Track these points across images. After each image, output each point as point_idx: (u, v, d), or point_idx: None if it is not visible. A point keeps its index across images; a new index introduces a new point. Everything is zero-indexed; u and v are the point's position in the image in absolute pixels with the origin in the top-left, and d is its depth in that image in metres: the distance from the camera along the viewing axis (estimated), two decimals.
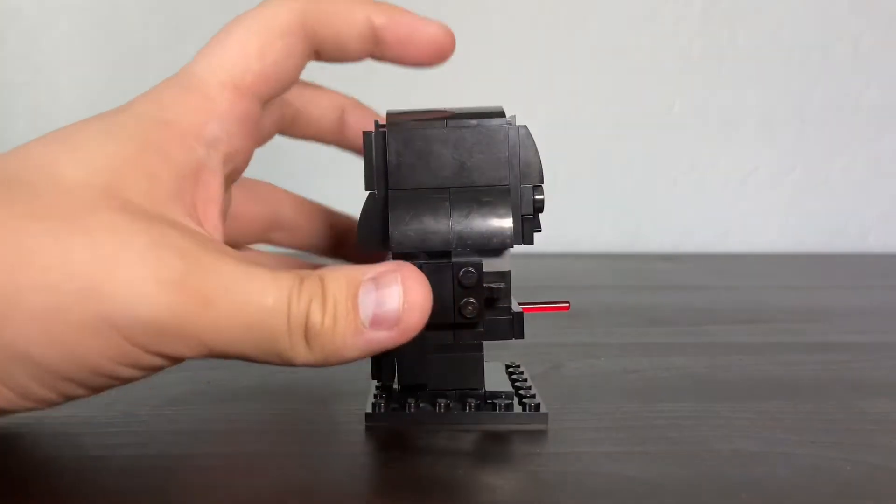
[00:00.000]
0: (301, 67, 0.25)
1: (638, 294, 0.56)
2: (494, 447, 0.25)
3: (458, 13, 0.77)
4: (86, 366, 0.20)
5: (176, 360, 0.21)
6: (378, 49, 0.26)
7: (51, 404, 0.21)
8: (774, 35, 0.81)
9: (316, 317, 0.21)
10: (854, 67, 0.82)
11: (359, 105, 0.30)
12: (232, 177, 0.25)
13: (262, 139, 0.28)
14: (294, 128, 0.29)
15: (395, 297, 0.21)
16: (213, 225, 0.23)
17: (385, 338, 0.22)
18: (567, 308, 0.27)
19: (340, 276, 0.22)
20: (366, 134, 0.26)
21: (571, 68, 0.80)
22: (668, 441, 0.26)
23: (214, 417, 0.27)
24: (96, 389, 0.21)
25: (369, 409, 0.26)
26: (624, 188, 0.82)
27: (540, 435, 0.26)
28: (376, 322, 0.21)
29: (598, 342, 0.39)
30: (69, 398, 0.21)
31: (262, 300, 0.20)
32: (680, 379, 0.33)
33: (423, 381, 0.26)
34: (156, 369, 0.21)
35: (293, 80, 0.25)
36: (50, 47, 0.74)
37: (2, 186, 0.20)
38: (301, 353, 0.21)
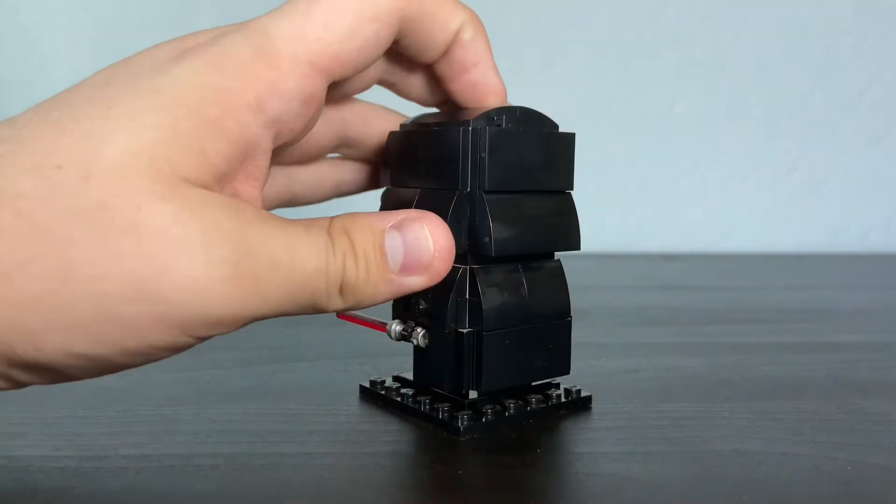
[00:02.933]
0: (379, 55, 0.23)
1: (638, 294, 0.56)
2: (495, 447, 0.25)
3: None
4: (132, 354, 0.20)
5: (216, 335, 0.21)
6: (441, 58, 0.25)
7: (75, 380, 0.21)
8: (776, 35, 0.81)
9: (351, 271, 0.21)
10: (855, 68, 0.82)
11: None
12: (283, 149, 0.24)
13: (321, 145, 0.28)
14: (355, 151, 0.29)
15: (425, 244, 0.22)
16: (251, 199, 0.22)
17: (415, 283, 0.23)
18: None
19: (364, 227, 0.22)
20: (464, 131, 0.25)
21: (571, 68, 0.80)
22: (668, 441, 0.26)
23: (214, 417, 0.27)
24: (128, 367, 0.21)
25: (461, 424, 0.25)
26: (624, 188, 0.82)
27: (540, 435, 0.26)
28: (406, 268, 0.22)
29: (598, 342, 0.39)
30: (103, 374, 0.21)
31: (306, 266, 0.21)
32: (680, 379, 0.33)
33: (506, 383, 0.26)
34: (193, 346, 0.21)
35: (365, 68, 0.23)
36: (50, 47, 0.74)
37: (39, 172, 0.18)
38: (335, 302, 0.22)
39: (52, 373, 0.20)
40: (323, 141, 0.28)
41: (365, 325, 0.28)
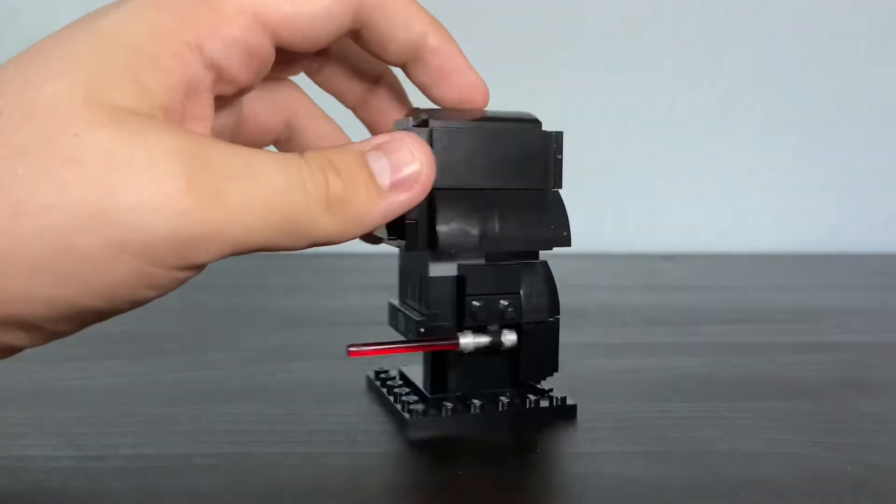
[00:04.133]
0: (333, 38, 0.23)
1: (638, 294, 0.56)
2: (495, 447, 0.25)
3: (458, 13, 0.77)
4: (104, 295, 0.19)
5: (199, 268, 0.20)
6: (413, 65, 0.25)
7: (67, 335, 0.21)
8: (774, 35, 0.81)
9: (336, 186, 0.21)
10: (854, 68, 0.82)
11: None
12: (222, 103, 0.24)
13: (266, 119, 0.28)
14: (293, 146, 0.29)
15: (409, 158, 0.22)
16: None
17: (407, 199, 0.22)
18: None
19: (342, 150, 0.22)
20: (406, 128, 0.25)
21: (571, 68, 0.80)
22: (668, 441, 0.26)
23: (214, 417, 0.27)
24: (116, 313, 0.20)
25: (407, 415, 0.26)
26: (624, 188, 0.82)
27: (540, 435, 0.26)
28: (396, 184, 0.22)
29: (598, 342, 0.39)
30: (88, 325, 0.21)
31: (275, 180, 0.20)
32: (680, 379, 0.33)
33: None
34: (178, 285, 0.20)
35: (318, 45, 0.23)
36: None
37: None
38: (322, 224, 0.21)
39: (30, 327, 0.19)
40: (269, 125, 0.28)
41: (402, 352, 0.27)
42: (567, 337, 0.40)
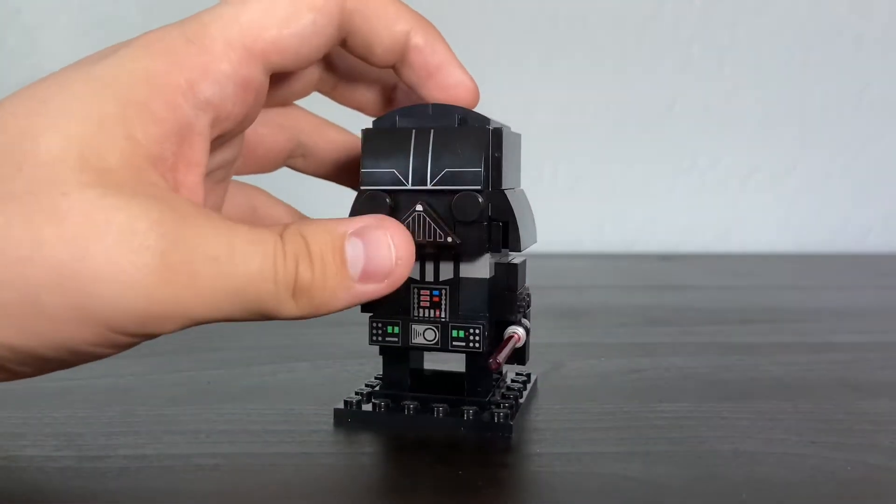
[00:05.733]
0: (322, 51, 0.23)
1: (638, 294, 0.56)
2: (495, 448, 0.25)
3: (458, 13, 0.77)
4: (65, 350, 0.19)
5: (157, 335, 0.20)
6: (401, 66, 0.25)
7: (29, 377, 0.21)
8: (774, 35, 0.81)
9: (305, 274, 0.21)
10: (854, 67, 0.82)
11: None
12: (224, 139, 0.24)
13: (273, 150, 0.28)
14: (312, 162, 0.29)
15: (386, 252, 0.22)
16: (192, 188, 0.21)
17: (374, 290, 0.22)
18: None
19: (322, 232, 0.21)
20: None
21: (571, 68, 0.80)
22: (668, 441, 0.26)
23: (214, 417, 0.27)
24: (77, 364, 0.21)
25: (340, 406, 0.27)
26: (624, 188, 0.82)
27: (541, 436, 0.26)
28: (366, 276, 0.22)
29: (598, 342, 0.39)
30: (50, 371, 0.21)
31: (248, 266, 0.20)
32: (680, 379, 0.33)
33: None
34: (134, 345, 0.21)
35: (310, 61, 0.23)
36: (50, 47, 0.74)
37: None
38: (287, 308, 0.21)
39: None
40: (278, 146, 0.28)
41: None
42: (567, 337, 0.40)
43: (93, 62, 0.21)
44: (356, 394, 0.28)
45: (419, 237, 0.25)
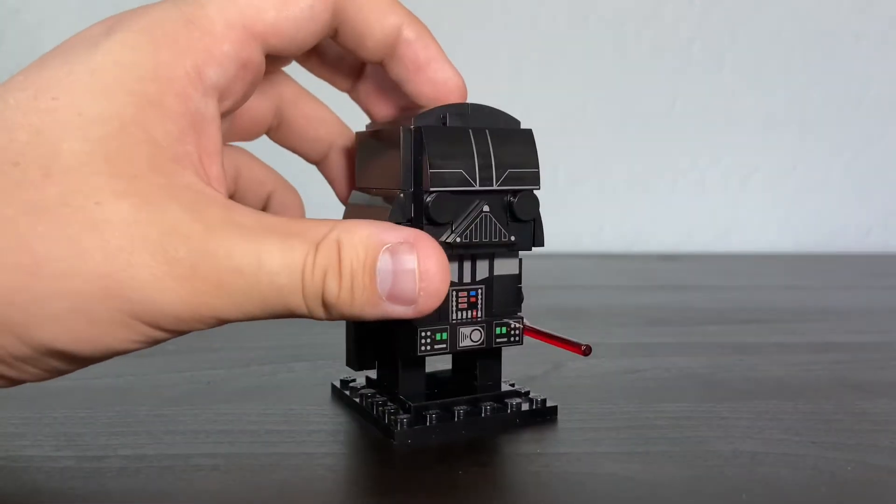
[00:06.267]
0: (317, 38, 0.24)
1: (638, 294, 0.56)
2: (495, 448, 0.25)
3: (458, 13, 0.77)
4: (111, 351, 0.20)
5: (189, 332, 0.21)
6: (390, 60, 0.25)
7: (43, 380, 0.21)
8: (774, 35, 0.81)
9: (332, 290, 0.21)
10: (854, 67, 0.82)
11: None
12: (225, 115, 0.24)
13: (255, 126, 0.28)
14: (284, 132, 0.29)
15: (411, 279, 0.21)
16: (217, 179, 0.22)
17: (402, 311, 0.22)
18: (580, 352, 0.25)
19: (357, 244, 0.21)
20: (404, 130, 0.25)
21: (571, 68, 0.80)
22: (668, 441, 0.26)
23: (214, 417, 0.27)
24: (104, 359, 0.21)
25: (398, 428, 0.25)
26: (624, 188, 0.82)
27: (541, 435, 0.26)
28: (393, 297, 0.21)
29: (598, 342, 0.39)
30: (78, 368, 0.21)
31: (275, 280, 0.20)
32: (680, 379, 0.33)
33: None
34: (168, 339, 0.21)
35: (305, 46, 0.24)
36: (50, 47, 0.74)
37: None
38: (317, 314, 0.21)
39: (44, 369, 0.20)
40: (261, 114, 0.28)
41: (558, 346, 0.26)
42: (567, 337, 0.40)
43: (89, 47, 0.21)
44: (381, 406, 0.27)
45: (481, 237, 0.25)
